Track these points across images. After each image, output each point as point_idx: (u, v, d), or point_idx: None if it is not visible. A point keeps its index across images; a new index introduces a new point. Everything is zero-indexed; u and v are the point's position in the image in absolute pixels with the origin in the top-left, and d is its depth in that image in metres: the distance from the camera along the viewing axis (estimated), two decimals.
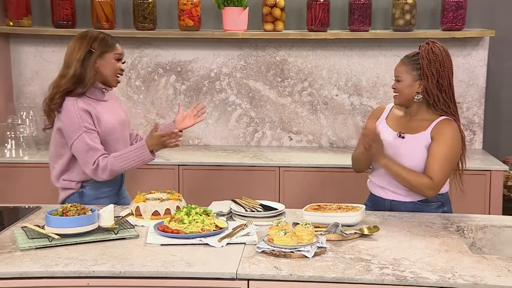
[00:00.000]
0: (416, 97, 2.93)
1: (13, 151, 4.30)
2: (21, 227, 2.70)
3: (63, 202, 3.16)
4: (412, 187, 2.91)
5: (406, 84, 2.93)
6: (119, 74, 3.19)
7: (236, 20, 4.42)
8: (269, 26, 4.46)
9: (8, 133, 4.30)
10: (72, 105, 3.07)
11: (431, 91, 2.89)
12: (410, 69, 2.92)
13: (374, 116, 3.15)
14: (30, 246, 2.50)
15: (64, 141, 3.12)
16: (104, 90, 3.19)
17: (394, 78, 3.00)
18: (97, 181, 3.15)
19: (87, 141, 3.04)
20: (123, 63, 3.21)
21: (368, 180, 3.14)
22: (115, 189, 3.28)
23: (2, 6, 4.52)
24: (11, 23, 4.51)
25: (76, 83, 3.09)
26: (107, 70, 3.14)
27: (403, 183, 2.91)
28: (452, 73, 2.92)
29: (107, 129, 3.15)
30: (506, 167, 4.20)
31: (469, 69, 4.56)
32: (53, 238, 2.54)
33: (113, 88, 3.26)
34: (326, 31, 4.44)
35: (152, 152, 3.10)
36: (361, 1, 4.38)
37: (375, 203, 3.09)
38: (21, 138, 4.33)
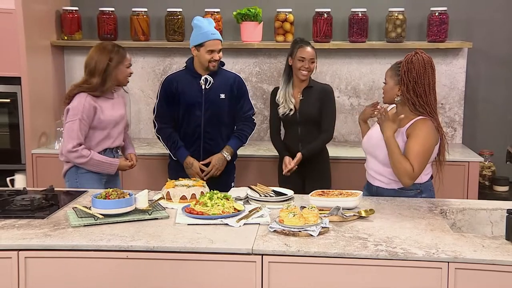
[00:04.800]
0: (396, 99, 2.90)
1: None
2: (72, 208, 2.72)
3: (64, 174, 3.32)
4: (395, 168, 2.81)
5: (389, 87, 2.91)
6: (129, 76, 3.36)
7: (252, 32, 4.40)
8: (280, 38, 4.44)
9: (62, 129, 4.29)
10: (83, 97, 3.20)
11: (406, 95, 2.83)
12: (393, 75, 2.89)
13: None
14: (79, 224, 2.52)
15: None
16: (113, 90, 3.32)
17: None
18: None
19: (78, 128, 3.16)
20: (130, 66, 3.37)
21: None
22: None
23: (59, 24, 4.55)
24: (65, 37, 4.52)
25: (97, 88, 3.22)
26: (122, 76, 3.31)
27: (391, 161, 2.82)
28: (429, 81, 2.81)
29: (108, 122, 3.27)
30: (481, 159, 4.19)
31: (451, 75, 4.52)
32: (98, 217, 2.55)
33: (123, 87, 3.44)
34: (329, 42, 4.41)
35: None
36: (359, 16, 4.35)
37: (368, 188, 3.07)
38: None
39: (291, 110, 3.69)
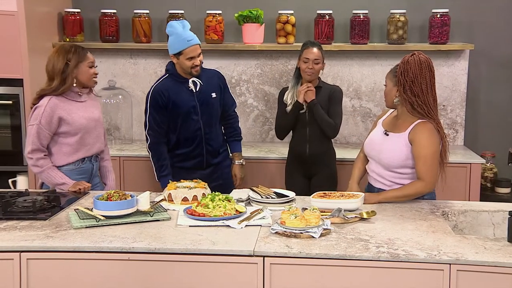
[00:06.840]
0: (394, 100, 2.90)
1: None
2: (74, 209, 2.72)
3: (42, 184, 3.27)
4: (412, 197, 2.87)
5: (389, 89, 2.92)
6: (94, 77, 3.23)
7: (254, 34, 4.41)
8: (282, 40, 4.44)
9: None
10: (46, 100, 3.13)
11: (403, 95, 2.83)
12: (392, 76, 2.90)
13: (378, 118, 3.13)
14: (81, 225, 2.52)
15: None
16: (79, 93, 3.21)
17: None
18: (69, 169, 3.19)
19: (35, 133, 3.09)
20: (95, 67, 3.25)
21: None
22: (86, 178, 3.26)
23: (61, 25, 4.56)
24: (67, 39, 4.52)
25: (57, 89, 3.13)
26: (85, 77, 3.19)
27: (404, 200, 2.87)
28: (427, 81, 2.80)
29: (80, 125, 3.17)
30: (483, 161, 4.19)
31: (453, 77, 4.51)
32: (100, 219, 2.55)
33: (91, 89, 3.32)
34: (331, 44, 4.41)
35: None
36: (360, 18, 4.35)
37: (369, 190, 3.06)
38: None
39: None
